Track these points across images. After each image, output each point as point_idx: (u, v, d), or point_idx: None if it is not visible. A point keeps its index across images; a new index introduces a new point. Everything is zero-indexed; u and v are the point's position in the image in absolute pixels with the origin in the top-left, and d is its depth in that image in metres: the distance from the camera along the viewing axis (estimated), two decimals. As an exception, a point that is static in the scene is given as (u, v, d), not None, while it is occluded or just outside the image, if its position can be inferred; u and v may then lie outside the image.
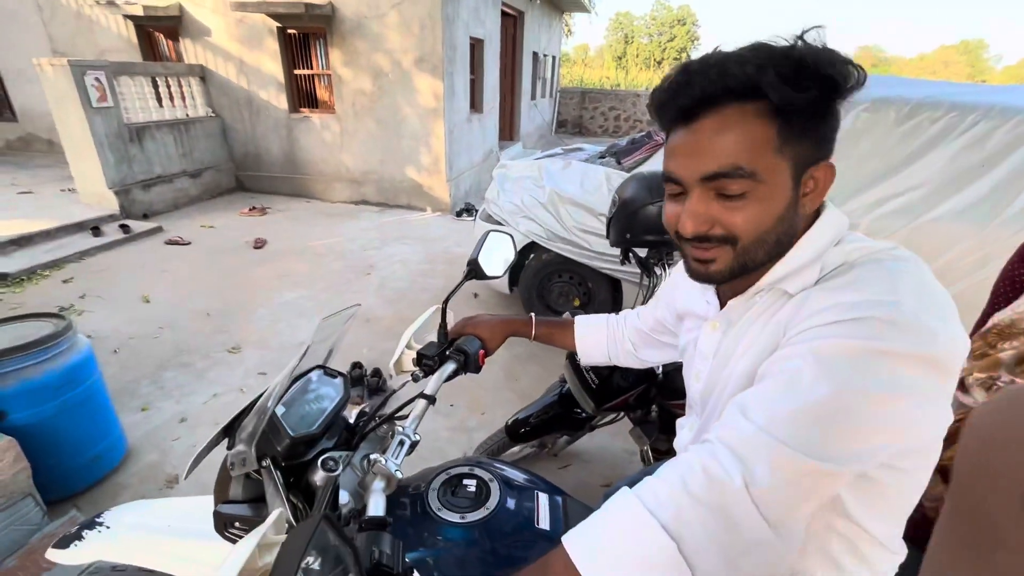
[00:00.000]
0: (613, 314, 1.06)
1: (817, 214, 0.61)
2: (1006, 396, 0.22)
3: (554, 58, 12.71)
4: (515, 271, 3.23)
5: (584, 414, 1.68)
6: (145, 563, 0.92)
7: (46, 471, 1.74)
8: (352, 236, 5.17)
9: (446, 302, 0.98)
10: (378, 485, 0.66)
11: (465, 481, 0.86)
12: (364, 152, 6.34)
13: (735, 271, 0.60)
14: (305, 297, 3.73)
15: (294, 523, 0.68)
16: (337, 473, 0.69)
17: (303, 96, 6.43)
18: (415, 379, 0.91)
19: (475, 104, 7.27)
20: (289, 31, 6.02)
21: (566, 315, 1.15)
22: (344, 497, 0.71)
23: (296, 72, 6.25)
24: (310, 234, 5.19)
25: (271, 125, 6.43)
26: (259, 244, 4.73)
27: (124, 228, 4.82)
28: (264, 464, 0.69)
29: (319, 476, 0.71)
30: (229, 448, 0.72)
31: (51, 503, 1.78)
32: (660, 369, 1.42)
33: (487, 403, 2.59)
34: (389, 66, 5.82)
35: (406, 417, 0.81)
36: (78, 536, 0.98)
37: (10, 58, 7.40)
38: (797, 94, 0.51)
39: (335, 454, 0.72)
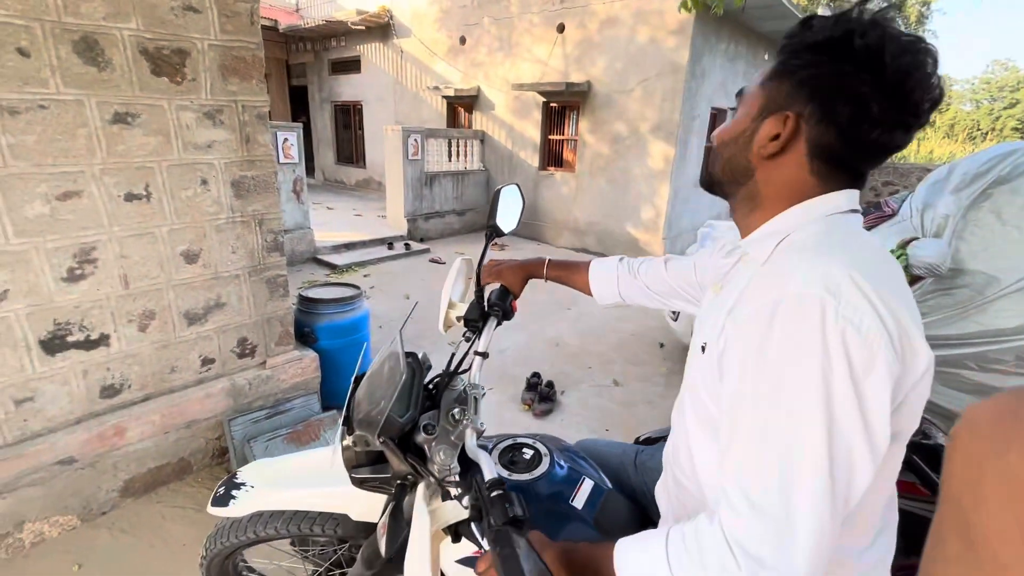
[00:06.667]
0: (626, 257, 1.10)
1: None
2: (1014, 396, 0.19)
3: (817, 127, 11.66)
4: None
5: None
6: (297, 507, 1.12)
7: (325, 383, 2.63)
8: (565, 276, 5.81)
9: (480, 267, 1.09)
10: (471, 438, 0.82)
11: (524, 450, 0.98)
12: (592, 206, 7.06)
13: (713, 177, 0.71)
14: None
15: (417, 478, 0.86)
16: (436, 434, 0.82)
17: (552, 156, 7.57)
18: (468, 340, 0.99)
19: (708, 170, 7.33)
20: (551, 104, 7.25)
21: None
22: (445, 452, 0.81)
23: (550, 137, 7.44)
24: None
25: (523, 179, 7.74)
26: (491, 271, 5.76)
27: (407, 246, 6.47)
28: (382, 440, 0.79)
29: (421, 437, 0.82)
30: (349, 433, 0.86)
31: (323, 408, 2.67)
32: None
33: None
34: (627, 132, 6.45)
35: (467, 371, 0.94)
36: (230, 496, 1.14)
37: (372, 126, 10.70)
38: (789, 38, 0.61)
39: (429, 418, 0.84)
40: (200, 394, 2.11)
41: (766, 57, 7.57)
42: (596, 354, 3.79)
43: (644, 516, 0.99)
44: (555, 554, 0.65)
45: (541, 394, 2.97)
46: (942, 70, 0.57)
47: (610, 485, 1.01)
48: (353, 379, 0.93)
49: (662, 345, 3.97)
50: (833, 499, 0.50)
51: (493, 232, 1.09)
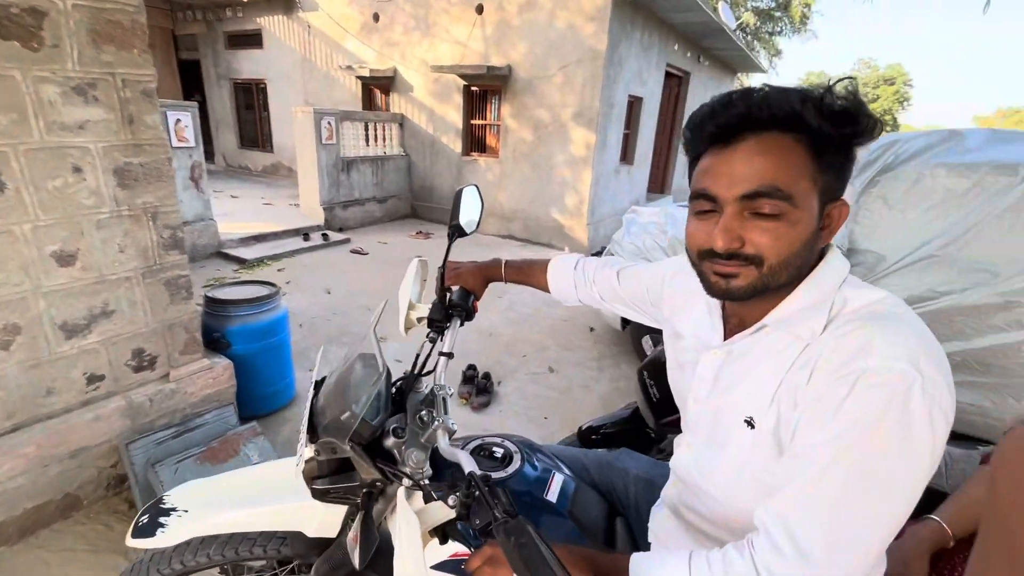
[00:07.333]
0: (583, 257, 1.09)
1: (822, 255, 0.63)
2: None
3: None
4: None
5: (653, 435, 1.78)
6: (242, 529, 1.00)
7: (242, 392, 2.39)
8: (494, 264, 5.77)
9: (443, 267, 1.11)
10: (443, 439, 0.80)
11: (495, 448, 0.99)
12: (517, 193, 7.05)
13: (757, 289, 0.61)
14: (444, 308, 4.32)
15: (386, 483, 0.83)
16: (405, 438, 0.80)
17: (475, 142, 7.43)
18: (432, 341, 0.99)
19: (626, 157, 7.59)
20: (472, 88, 7.09)
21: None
22: (416, 456, 0.79)
23: (472, 122, 7.29)
24: (460, 258, 5.90)
25: (445, 164, 7.54)
26: (418, 261, 5.57)
27: (324, 236, 6.07)
28: (351, 446, 0.77)
29: (390, 441, 0.80)
30: (312, 440, 0.82)
31: (241, 419, 2.43)
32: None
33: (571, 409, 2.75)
34: (549, 119, 6.47)
35: (431, 372, 0.94)
36: (157, 524, 1.00)
37: (278, 106, 9.88)
38: (834, 128, 0.55)
39: (397, 422, 0.82)
40: (87, 417, 1.82)
41: (675, 48, 7.93)
42: (530, 342, 3.80)
43: (612, 509, 1.00)
44: (562, 553, 0.60)
45: (478, 386, 2.92)
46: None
47: (579, 479, 1.02)
48: (313, 384, 0.90)
49: (592, 329, 4.06)
50: (879, 553, 0.54)
51: (456, 232, 1.09)
